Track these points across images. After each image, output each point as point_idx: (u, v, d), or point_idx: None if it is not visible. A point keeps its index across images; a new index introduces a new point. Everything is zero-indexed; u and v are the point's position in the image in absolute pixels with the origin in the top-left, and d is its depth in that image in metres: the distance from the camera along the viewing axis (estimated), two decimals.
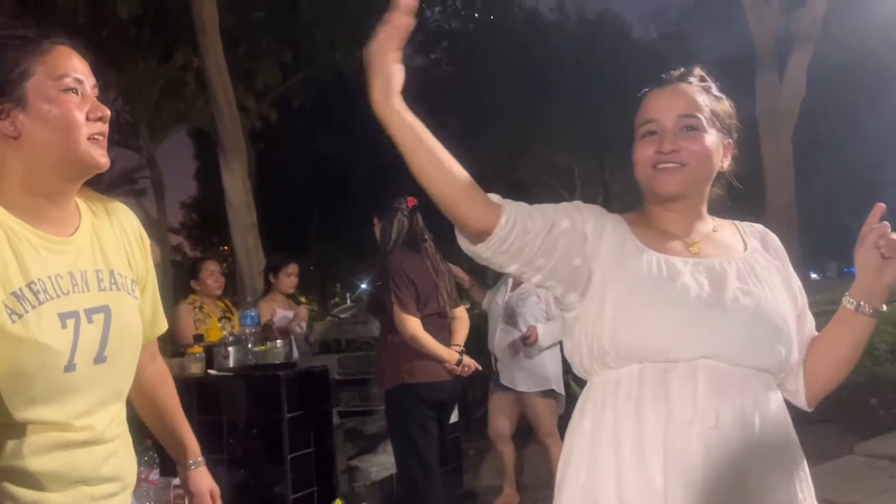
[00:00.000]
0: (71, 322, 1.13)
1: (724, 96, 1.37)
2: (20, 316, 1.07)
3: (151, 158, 16.81)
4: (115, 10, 10.31)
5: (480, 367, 3.56)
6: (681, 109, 1.30)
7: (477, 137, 24.50)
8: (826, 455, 4.87)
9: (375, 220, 3.51)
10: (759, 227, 1.42)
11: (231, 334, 3.84)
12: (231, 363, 3.46)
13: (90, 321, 1.16)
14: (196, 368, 3.40)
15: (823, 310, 1.62)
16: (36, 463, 1.11)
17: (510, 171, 26.17)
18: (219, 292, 4.65)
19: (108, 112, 1.20)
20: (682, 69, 1.39)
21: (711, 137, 1.30)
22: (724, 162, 1.35)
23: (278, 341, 3.83)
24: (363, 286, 21.75)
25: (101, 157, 1.17)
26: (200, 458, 1.56)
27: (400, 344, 3.29)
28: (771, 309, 1.24)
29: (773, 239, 1.40)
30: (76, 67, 1.18)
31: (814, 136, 20.22)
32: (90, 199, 1.27)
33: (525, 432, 4.64)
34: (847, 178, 23.81)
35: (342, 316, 5.42)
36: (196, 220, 27.77)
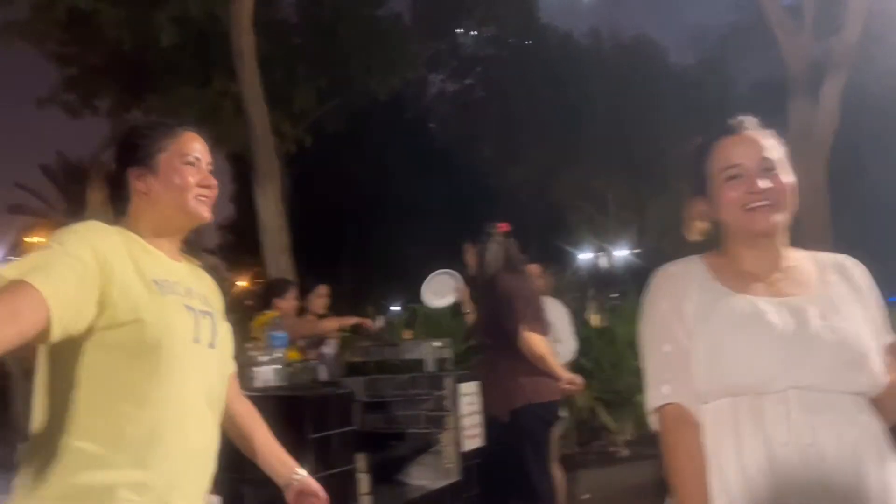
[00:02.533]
0: (190, 312, 1.45)
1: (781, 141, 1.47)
2: (163, 294, 1.40)
3: None
4: (156, 37, 10.63)
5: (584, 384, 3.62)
6: (760, 153, 1.40)
7: (511, 162, 24.60)
8: None
9: (468, 246, 3.60)
10: (840, 257, 1.47)
11: (259, 355, 3.88)
12: (258, 384, 3.50)
13: (203, 317, 1.48)
14: None
15: None
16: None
17: (544, 195, 26.19)
18: (322, 311, 4.97)
19: (215, 182, 1.57)
20: (742, 118, 1.47)
21: (789, 175, 1.41)
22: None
23: (311, 362, 3.86)
24: (394, 308, 21.84)
25: (205, 212, 1.55)
26: (300, 469, 1.78)
27: (521, 364, 3.34)
28: (852, 341, 1.32)
29: (854, 269, 1.46)
30: (196, 149, 1.57)
31: (852, 164, 19.89)
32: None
33: None
34: (887, 205, 23.32)
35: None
36: (233, 241, 28.20)
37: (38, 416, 1.35)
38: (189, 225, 1.56)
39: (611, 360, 6.54)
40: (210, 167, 1.60)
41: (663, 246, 31.13)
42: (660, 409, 1.44)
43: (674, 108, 23.30)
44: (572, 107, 23.26)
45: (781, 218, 1.39)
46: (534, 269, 4.37)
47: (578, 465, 6.14)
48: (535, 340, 3.34)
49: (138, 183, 1.51)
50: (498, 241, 3.50)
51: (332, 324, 4.86)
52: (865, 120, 17.91)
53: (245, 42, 8.27)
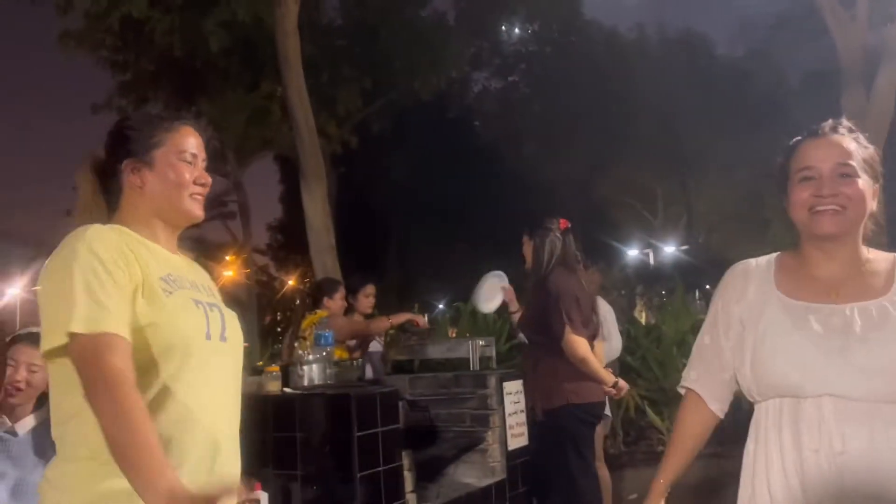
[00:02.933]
0: (200, 306, 1.43)
1: (871, 146, 1.49)
2: (171, 293, 1.39)
3: (238, 183, 17.50)
4: (206, 43, 10.87)
5: (630, 389, 3.61)
6: (837, 158, 1.43)
7: (556, 158, 24.43)
8: None
9: (525, 239, 3.56)
10: None
11: (307, 354, 3.96)
12: (305, 381, 3.57)
13: (211, 310, 1.46)
14: (273, 386, 3.52)
15: None
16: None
17: (590, 191, 25.94)
18: (369, 311, 4.98)
19: (210, 180, 1.54)
20: (832, 121, 1.50)
21: (864, 182, 1.42)
22: (873, 204, 1.47)
23: (354, 362, 3.93)
24: (440, 306, 21.91)
25: (198, 210, 1.53)
26: None
27: (563, 364, 3.32)
28: (890, 353, 1.33)
29: None
30: (193, 144, 1.53)
31: None
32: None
33: None
34: None
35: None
36: (281, 241, 28.68)
37: (58, 424, 1.34)
38: (182, 223, 1.53)
39: (658, 358, 6.47)
40: (205, 163, 1.56)
41: (711, 242, 30.55)
42: (685, 391, 1.63)
43: (722, 102, 22.84)
44: (618, 102, 22.98)
45: (847, 224, 1.42)
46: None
47: (625, 465, 6.09)
48: (578, 343, 3.31)
49: (133, 176, 1.47)
50: (556, 237, 3.46)
51: (384, 323, 4.90)
52: None
53: (290, 46, 8.40)
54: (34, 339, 2.13)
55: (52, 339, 1.26)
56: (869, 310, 1.39)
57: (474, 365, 4.65)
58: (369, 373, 4.83)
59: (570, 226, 3.50)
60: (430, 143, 22.53)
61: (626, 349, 6.58)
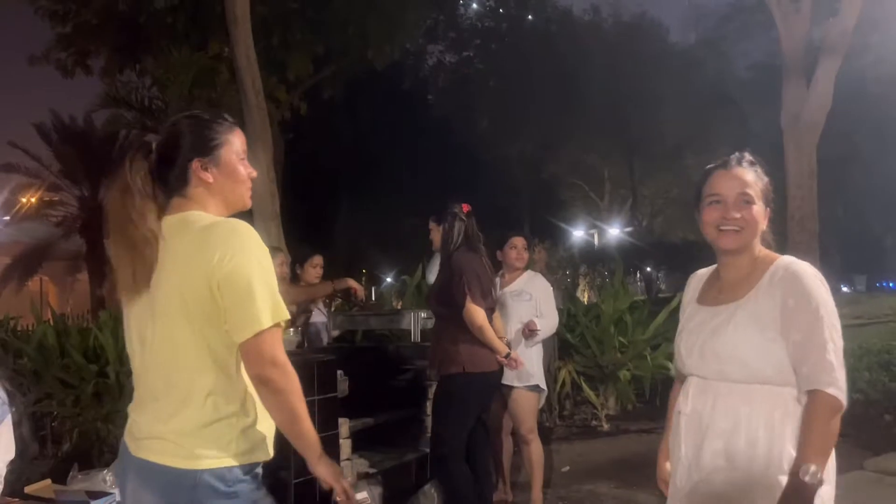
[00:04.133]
0: None
1: (765, 176, 1.83)
2: None
3: None
4: None
5: (524, 364, 3.94)
6: (739, 188, 1.79)
7: (507, 136, 24.49)
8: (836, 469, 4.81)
9: (433, 224, 3.88)
10: (785, 265, 1.76)
11: None
12: None
13: None
14: None
15: (850, 323, 1.84)
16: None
17: (539, 169, 26.12)
18: (316, 281, 5.05)
19: (256, 173, 1.79)
20: (738, 154, 1.85)
21: (758, 207, 1.79)
22: (763, 223, 1.83)
23: (290, 330, 3.90)
24: (388, 279, 21.86)
25: (249, 201, 1.79)
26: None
27: (463, 334, 3.64)
28: (724, 342, 1.75)
29: (781, 277, 1.73)
30: (243, 143, 1.78)
31: (846, 150, 19.89)
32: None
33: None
34: (879, 192, 23.39)
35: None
36: None
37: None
38: (236, 211, 1.76)
39: (596, 336, 6.59)
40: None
41: (654, 226, 31.19)
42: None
43: (672, 88, 23.20)
44: (570, 83, 23.11)
45: (743, 241, 1.78)
46: (519, 241, 4.39)
47: (560, 438, 6.22)
48: (477, 312, 3.63)
49: (203, 172, 1.69)
50: (461, 221, 3.78)
51: (325, 288, 4.85)
52: (859, 107, 17.88)
53: (239, 5, 8.15)
54: None
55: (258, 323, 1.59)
56: (727, 310, 1.78)
57: (415, 337, 4.67)
58: (311, 341, 4.80)
59: (471, 209, 3.85)
60: (382, 113, 22.31)
61: (566, 326, 6.69)
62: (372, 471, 3.93)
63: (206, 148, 1.70)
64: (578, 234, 29.43)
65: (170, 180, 1.70)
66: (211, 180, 1.69)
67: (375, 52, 13.87)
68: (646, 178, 28.43)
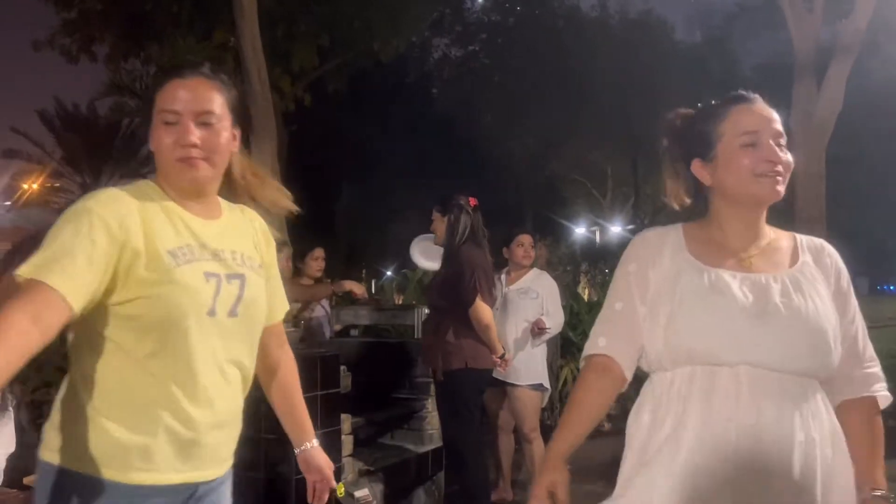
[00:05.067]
0: (213, 280, 1.39)
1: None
2: (176, 266, 1.34)
3: None
4: None
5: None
6: (777, 125, 1.42)
7: (511, 131, 24.42)
8: None
9: (437, 215, 3.77)
10: (818, 241, 1.48)
11: None
12: None
13: (229, 283, 1.42)
14: None
15: None
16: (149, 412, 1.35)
17: (542, 166, 26.07)
18: (318, 274, 5.02)
19: (194, 138, 1.38)
20: (753, 93, 1.48)
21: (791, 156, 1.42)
22: None
23: (292, 324, 3.88)
24: (388, 273, 21.84)
25: (189, 172, 1.41)
26: (315, 440, 1.75)
27: (464, 329, 3.59)
28: (811, 320, 1.33)
29: (829, 254, 1.47)
30: (180, 99, 1.39)
31: (852, 151, 19.83)
32: (231, 203, 1.56)
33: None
34: (882, 195, 23.34)
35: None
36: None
37: (68, 381, 1.41)
38: (187, 187, 1.43)
39: None
40: (205, 116, 1.40)
41: (656, 224, 31.06)
42: (590, 358, 1.52)
43: (677, 86, 23.10)
44: (575, 79, 23.04)
45: (783, 191, 1.41)
46: (526, 239, 4.37)
47: None
48: (486, 310, 3.60)
49: (150, 140, 1.44)
50: (467, 214, 3.70)
51: (325, 290, 4.86)
52: (867, 108, 17.81)
53: None
54: None
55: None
56: (785, 280, 1.39)
57: (418, 332, 4.64)
58: (314, 336, 4.78)
59: (477, 203, 3.76)
60: (387, 106, 22.24)
61: (569, 324, 6.65)
62: (374, 468, 3.90)
63: (146, 110, 1.46)
64: (580, 231, 29.39)
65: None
66: (153, 146, 1.43)
67: (381, 44, 13.82)
68: (649, 177, 28.33)
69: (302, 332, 4.06)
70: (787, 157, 1.40)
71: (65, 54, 13.11)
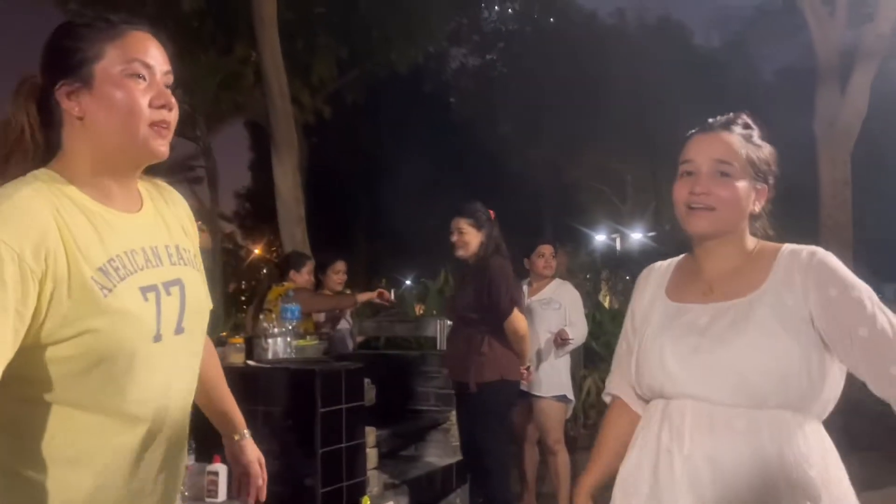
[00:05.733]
0: (152, 295, 1.15)
1: (764, 143, 1.45)
2: (110, 290, 1.09)
3: (207, 148, 17.17)
4: (178, 2, 10.58)
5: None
6: (717, 154, 1.39)
7: (529, 140, 24.40)
8: (869, 484, 4.72)
9: (469, 226, 3.70)
10: (805, 254, 1.36)
11: (272, 327, 3.90)
12: (269, 355, 3.53)
13: (168, 293, 1.18)
14: (236, 358, 3.47)
15: None
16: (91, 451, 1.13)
17: (561, 174, 26.01)
18: (339, 287, 5.00)
19: (173, 101, 1.18)
20: (729, 115, 1.47)
21: (742, 184, 1.39)
22: (755, 205, 1.43)
23: (317, 336, 3.89)
24: (408, 282, 21.88)
25: (160, 146, 1.17)
26: (246, 431, 1.59)
27: (498, 341, 3.59)
28: (745, 354, 1.29)
29: (800, 265, 1.35)
30: (148, 53, 1.16)
31: (876, 157, 19.57)
32: (143, 180, 1.29)
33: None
34: None
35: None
36: (249, 209, 28.29)
37: None
38: (140, 162, 1.19)
39: None
40: (168, 79, 1.20)
41: (678, 230, 30.91)
42: (612, 396, 1.61)
43: (696, 92, 22.96)
44: (594, 87, 22.99)
45: (719, 224, 1.39)
46: (547, 249, 4.35)
47: (585, 448, 6.14)
48: (522, 321, 3.61)
49: (69, 102, 1.12)
50: (491, 225, 3.70)
51: (349, 300, 4.87)
52: (888, 112, 17.59)
53: (267, 10, 8.20)
54: None
55: None
56: (734, 308, 1.35)
57: (441, 344, 4.64)
58: (336, 348, 4.79)
59: (496, 217, 3.79)
60: (405, 117, 22.32)
61: (591, 334, 6.60)
62: (398, 481, 3.90)
63: (72, 65, 1.12)
64: (600, 238, 29.24)
65: (48, 125, 1.16)
66: (82, 115, 1.12)
67: (398, 56, 13.90)
68: (669, 183, 28.09)
69: (326, 344, 4.07)
70: (727, 188, 1.37)
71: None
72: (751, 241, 1.44)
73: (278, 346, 3.57)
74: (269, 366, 3.48)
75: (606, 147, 25.25)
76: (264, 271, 22.31)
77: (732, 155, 1.39)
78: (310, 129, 14.52)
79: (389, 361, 4.62)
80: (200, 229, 1.46)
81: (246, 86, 12.48)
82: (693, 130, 1.47)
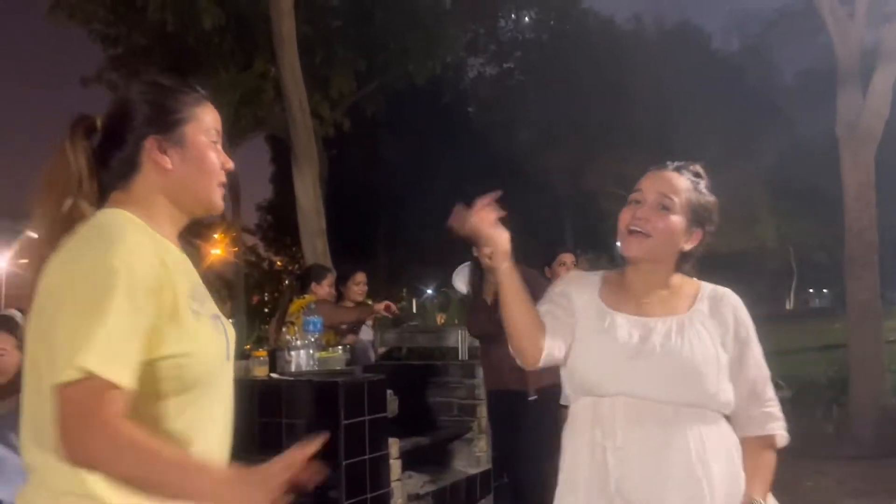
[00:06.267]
0: (217, 322, 1.26)
1: (709, 194, 1.63)
2: (198, 315, 1.20)
3: None
4: (199, 20, 10.74)
5: None
6: (662, 189, 1.57)
7: (547, 146, 24.39)
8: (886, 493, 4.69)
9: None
10: (721, 291, 1.63)
11: (295, 339, 3.93)
12: (293, 368, 3.56)
13: (223, 323, 1.29)
14: (259, 371, 3.50)
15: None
16: None
17: (579, 179, 25.94)
18: (360, 299, 4.99)
19: (232, 165, 1.35)
20: (684, 162, 1.66)
21: (678, 220, 1.56)
22: (687, 244, 1.60)
23: (339, 348, 3.91)
24: (429, 292, 21.91)
25: (220, 201, 1.33)
26: None
27: None
28: (685, 359, 1.50)
29: (730, 303, 1.61)
30: (218, 122, 1.34)
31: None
32: None
33: None
34: None
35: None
36: (271, 222, 28.55)
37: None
38: (200, 213, 1.33)
39: None
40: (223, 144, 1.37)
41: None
42: None
43: (715, 96, 22.84)
44: (611, 93, 22.95)
45: (649, 250, 1.56)
46: (568, 258, 4.33)
47: None
48: None
49: (158, 154, 1.24)
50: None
51: (369, 311, 4.89)
52: None
53: (285, 25, 8.29)
54: (4, 322, 2.09)
55: (67, 372, 1.02)
56: (672, 323, 1.55)
57: (463, 354, 4.64)
58: (358, 360, 4.81)
59: None
60: (424, 127, 22.43)
61: None
62: (423, 492, 3.90)
63: (165, 121, 1.25)
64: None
65: (113, 167, 1.25)
66: (169, 166, 1.25)
67: (416, 67, 13.97)
68: None
69: (348, 355, 4.09)
70: (665, 220, 1.55)
71: (111, 89, 13.56)
72: (676, 277, 1.63)
73: (301, 358, 3.60)
74: (292, 378, 3.50)
75: (626, 152, 25.12)
76: (286, 283, 22.48)
77: (675, 192, 1.57)
78: (330, 141, 14.61)
79: (412, 372, 4.64)
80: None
81: (266, 100, 12.61)
82: (652, 168, 1.65)
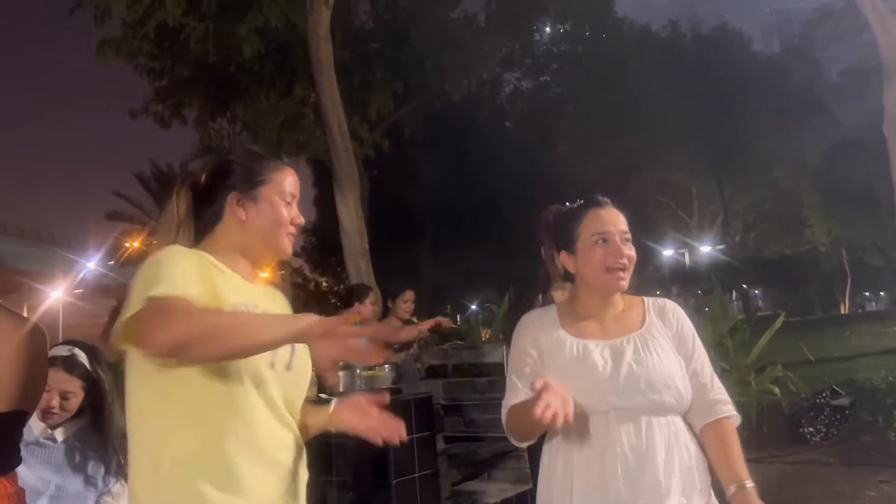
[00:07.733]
0: None
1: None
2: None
3: None
4: (240, 49, 11.01)
5: None
6: (621, 225, 1.79)
7: (588, 159, 24.24)
8: None
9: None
10: (661, 302, 1.85)
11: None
12: (341, 388, 3.60)
13: None
14: (308, 392, 3.56)
15: None
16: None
17: (623, 191, 25.69)
18: (407, 316, 5.07)
19: (303, 220, 1.61)
20: (602, 197, 1.84)
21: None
22: None
23: (385, 366, 3.94)
24: (473, 307, 21.89)
25: (288, 248, 1.59)
26: None
27: None
28: (658, 369, 1.69)
29: (671, 310, 1.82)
30: (294, 185, 1.60)
31: None
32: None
33: None
34: None
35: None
36: (315, 244, 28.91)
37: (134, 435, 1.44)
38: (270, 258, 1.61)
39: None
40: (297, 204, 1.64)
41: (748, 241, 30.04)
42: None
43: (758, 98, 22.46)
44: (651, 101, 22.72)
45: (625, 284, 1.76)
46: None
47: None
48: None
49: (237, 208, 1.53)
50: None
51: (413, 331, 4.94)
52: None
53: (323, 51, 8.46)
54: (69, 364, 2.16)
55: (140, 302, 1.29)
56: (636, 340, 1.74)
57: (507, 370, 4.63)
58: (404, 378, 4.84)
59: None
60: (462, 144, 22.53)
61: None
62: None
63: (247, 181, 1.55)
64: (668, 253, 28.68)
65: (205, 216, 1.56)
66: (244, 217, 1.53)
67: (453, 85, 14.08)
68: (736, 193, 27.51)
69: (394, 374, 4.13)
70: (631, 251, 1.76)
71: (158, 121, 13.95)
72: (619, 297, 1.82)
73: (348, 377, 3.65)
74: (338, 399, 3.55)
75: (669, 160, 24.86)
76: (332, 302, 22.70)
77: (625, 224, 1.80)
78: (370, 162, 14.78)
79: (457, 389, 4.64)
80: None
81: (307, 125, 12.84)
82: (580, 204, 1.84)
